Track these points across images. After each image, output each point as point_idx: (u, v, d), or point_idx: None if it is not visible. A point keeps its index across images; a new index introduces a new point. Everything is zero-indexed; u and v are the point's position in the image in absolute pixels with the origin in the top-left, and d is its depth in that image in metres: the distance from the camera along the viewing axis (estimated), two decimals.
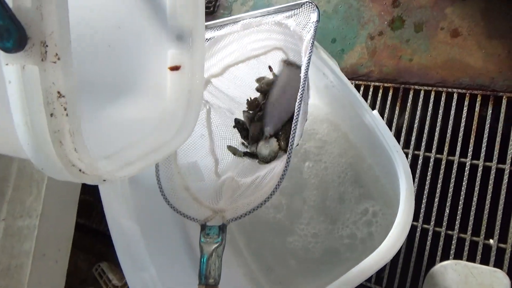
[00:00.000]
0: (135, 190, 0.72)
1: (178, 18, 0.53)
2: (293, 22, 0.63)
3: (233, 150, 0.77)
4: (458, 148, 0.91)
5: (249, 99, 0.78)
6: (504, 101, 0.89)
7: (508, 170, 0.86)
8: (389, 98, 1.01)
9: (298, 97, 0.57)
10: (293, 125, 0.56)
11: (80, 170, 0.35)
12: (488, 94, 0.91)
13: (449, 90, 0.95)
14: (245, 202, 0.58)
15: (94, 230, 1.36)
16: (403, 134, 0.98)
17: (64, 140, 0.32)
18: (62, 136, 0.32)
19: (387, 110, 1.01)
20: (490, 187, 0.86)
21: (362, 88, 1.05)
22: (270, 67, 0.76)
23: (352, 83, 1.06)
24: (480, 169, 0.88)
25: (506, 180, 0.85)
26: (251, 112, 0.79)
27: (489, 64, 0.93)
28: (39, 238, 0.99)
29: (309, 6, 0.62)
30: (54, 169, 0.33)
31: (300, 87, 0.57)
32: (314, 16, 0.61)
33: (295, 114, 0.56)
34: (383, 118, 1.01)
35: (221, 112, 0.77)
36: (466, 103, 0.93)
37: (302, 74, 0.58)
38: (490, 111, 0.90)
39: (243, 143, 0.78)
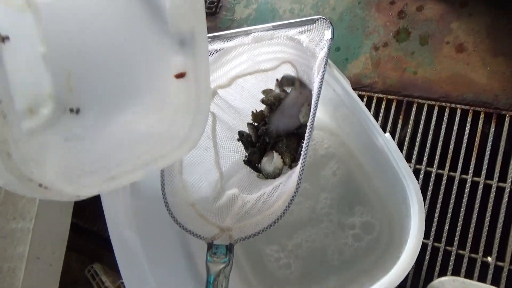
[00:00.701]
0: (136, 199, 0.70)
1: (179, 23, 0.50)
2: (306, 38, 0.62)
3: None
4: (460, 164, 0.91)
5: (255, 111, 0.77)
6: (507, 119, 0.90)
7: (509, 189, 0.86)
8: (392, 110, 1.01)
9: (311, 117, 0.56)
10: (304, 144, 0.55)
11: (40, 185, 0.32)
12: (491, 111, 0.91)
13: (453, 105, 0.95)
14: (253, 222, 0.58)
15: (87, 230, 1.34)
16: (405, 147, 0.98)
17: (11, 151, 0.29)
18: (7, 146, 0.29)
19: (389, 123, 1.01)
20: (490, 205, 0.87)
21: (365, 99, 1.05)
22: (277, 80, 0.75)
23: (355, 93, 1.05)
24: (481, 186, 0.89)
25: (506, 199, 0.86)
26: (256, 124, 0.78)
27: (493, 81, 0.93)
28: (33, 241, 0.97)
29: (323, 22, 0.61)
30: (11, 184, 0.30)
31: (313, 106, 0.56)
32: (328, 34, 0.60)
33: (307, 133, 0.55)
34: (385, 130, 1.01)
35: (227, 125, 0.75)
36: (469, 119, 0.93)
37: (314, 92, 0.57)
38: (493, 129, 0.90)
39: (246, 156, 0.77)
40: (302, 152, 0.54)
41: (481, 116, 0.92)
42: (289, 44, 0.67)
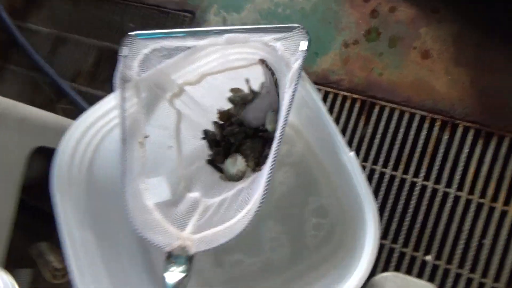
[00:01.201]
0: (92, 197, 0.68)
1: None
2: (282, 46, 0.60)
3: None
4: (412, 168, 0.96)
5: (221, 110, 0.75)
6: (459, 129, 0.95)
7: (453, 195, 0.93)
8: (356, 109, 1.03)
9: (279, 130, 0.55)
10: (273, 154, 0.55)
11: None
12: (447, 120, 0.96)
13: (413, 110, 0.98)
14: (215, 232, 0.58)
15: (32, 207, 1.28)
16: (363, 147, 1.01)
17: None
18: None
19: (352, 121, 1.03)
20: (435, 208, 0.93)
21: (331, 96, 1.05)
22: (247, 80, 0.73)
23: (321, 90, 1.06)
24: (429, 190, 0.95)
25: (450, 204, 0.93)
26: (221, 123, 0.76)
27: (452, 90, 0.97)
28: None
29: (300, 31, 0.59)
30: None
31: (282, 119, 0.56)
32: (304, 45, 0.59)
33: (274, 148, 0.55)
34: (346, 129, 1.03)
35: (192, 123, 0.73)
36: (426, 125, 0.97)
37: (285, 104, 0.56)
38: (446, 137, 0.95)
39: (209, 155, 0.76)
40: (266, 172, 0.54)
41: (437, 124, 0.96)
42: (263, 49, 0.64)
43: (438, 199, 0.94)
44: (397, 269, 0.94)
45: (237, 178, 0.72)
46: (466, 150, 0.93)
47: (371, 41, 1.04)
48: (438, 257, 0.92)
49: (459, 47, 0.98)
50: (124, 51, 0.67)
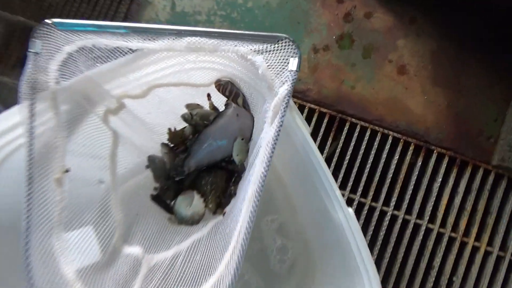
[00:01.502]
0: None
1: None
2: (264, 63, 0.44)
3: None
4: (383, 196, 0.87)
5: (173, 129, 0.58)
6: (434, 156, 0.87)
7: (425, 227, 0.85)
8: (324, 125, 0.91)
9: (259, 178, 0.40)
10: (251, 200, 0.40)
11: None
12: (421, 144, 0.88)
13: (385, 131, 0.89)
14: None
15: None
16: (331, 167, 0.89)
17: None
18: None
19: (319, 138, 0.90)
20: (405, 241, 0.85)
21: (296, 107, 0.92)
22: (208, 96, 0.57)
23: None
24: (399, 220, 0.86)
25: (421, 237, 0.85)
26: (172, 146, 0.59)
27: (428, 112, 0.89)
28: None
29: (289, 45, 0.45)
30: None
31: (264, 163, 0.41)
32: (293, 63, 0.44)
33: (252, 200, 0.40)
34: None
35: (133, 149, 0.55)
36: (399, 148, 0.88)
37: (267, 143, 0.42)
38: (420, 163, 0.87)
39: (155, 189, 0.58)
40: (242, 233, 0.39)
41: (411, 148, 0.88)
42: (237, 61, 0.48)
43: (408, 231, 0.85)
44: None
45: (192, 222, 0.55)
46: (439, 179, 0.86)
47: (344, 48, 0.92)
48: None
49: (438, 65, 0.89)
50: (37, 45, 0.47)
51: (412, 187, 0.86)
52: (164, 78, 0.52)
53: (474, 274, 0.83)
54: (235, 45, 0.45)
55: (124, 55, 0.46)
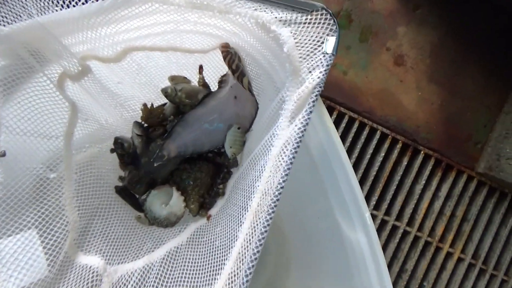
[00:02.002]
0: None
1: None
2: (291, 38, 0.34)
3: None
4: (364, 193, 0.81)
5: (148, 105, 0.46)
6: (420, 156, 0.82)
7: (402, 229, 0.81)
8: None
9: (280, 178, 0.31)
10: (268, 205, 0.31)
11: None
12: (409, 143, 0.82)
13: (374, 125, 0.82)
14: None
15: None
16: None
17: None
18: None
19: None
20: (381, 242, 0.81)
21: None
22: (200, 68, 0.45)
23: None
24: (378, 220, 0.81)
25: (397, 239, 0.81)
26: (146, 126, 0.47)
27: (420, 110, 0.83)
28: None
29: (325, 18, 0.34)
30: None
31: (284, 159, 0.32)
32: (330, 44, 0.34)
33: (269, 206, 0.31)
34: None
35: (96, 127, 0.42)
36: (386, 145, 0.82)
37: (289, 140, 0.33)
38: (406, 162, 0.82)
39: (121, 178, 0.46)
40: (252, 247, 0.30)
41: (398, 145, 0.82)
42: (251, 30, 0.37)
43: (385, 232, 0.81)
44: None
45: (167, 223, 0.44)
46: (422, 181, 0.82)
47: (341, 27, 0.83)
48: None
49: (436, 60, 0.83)
50: None
51: (395, 187, 0.82)
52: (147, 38, 0.39)
53: (444, 281, 0.81)
54: (255, 9, 0.34)
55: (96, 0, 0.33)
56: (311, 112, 0.33)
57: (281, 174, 0.32)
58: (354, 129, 0.82)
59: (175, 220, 0.45)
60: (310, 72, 0.34)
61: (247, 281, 0.30)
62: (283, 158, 0.33)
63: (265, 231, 0.30)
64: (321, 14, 0.34)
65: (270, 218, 0.31)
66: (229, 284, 0.32)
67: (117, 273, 0.39)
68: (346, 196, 0.37)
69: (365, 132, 0.82)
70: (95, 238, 0.40)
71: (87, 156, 0.44)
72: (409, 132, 0.83)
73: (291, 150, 0.32)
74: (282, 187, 0.31)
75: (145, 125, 0.47)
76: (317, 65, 0.34)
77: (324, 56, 0.34)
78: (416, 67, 0.83)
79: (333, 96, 0.82)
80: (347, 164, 0.37)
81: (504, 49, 0.84)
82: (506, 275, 0.82)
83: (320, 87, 0.34)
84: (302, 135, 0.32)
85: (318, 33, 0.34)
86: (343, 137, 0.82)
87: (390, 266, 0.81)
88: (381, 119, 0.82)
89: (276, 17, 0.34)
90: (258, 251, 0.30)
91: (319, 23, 0.34)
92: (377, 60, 0.83)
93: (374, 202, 0.81)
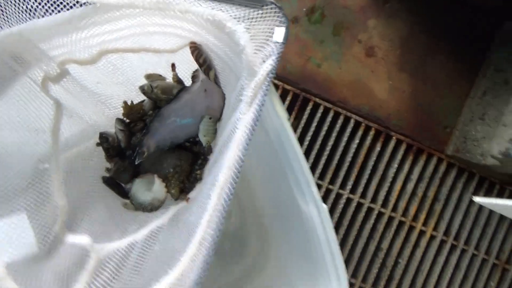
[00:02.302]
0: None
1: None
2: (245, 34, 0.39)
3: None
4: (340, 179, 0.87)
5: (129, 103, 0.51)
6: (392, 142, 0.87)
7: (377, 211, 0.87)
8: (286, 102, 0.87)
9: (240, 152, 0.36)
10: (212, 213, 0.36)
11: None
12: (381, 130, 0.87)
13: (348, 114, 0.87)
14: None
15: None
16: None
17: None
18: None
19: None
20: (358, 223, 0.86)
21: None
22: (173, 66, 0.50)
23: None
24: (354, 204, 0.87)
25: (373, 220, 0.86)
26: (128, 122, 0.52)
27: (391, 98, 0.88)
28: None
29: (274, 11, 0.39)
30: None
31: (243, 137, 0.37)
32: (279, 34, 0.39)
33: (231, 177, 0.36)
34: None
35: (81, 123, 0.47)
36: (359, 132, 0.87)
37: (248, 122, 0.37)
38: (379, 148, 0.87)
39: (107, 170, 0.51)
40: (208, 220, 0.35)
41: (371, 132, 0.87)
42: (208, 28, 0.42)
43: (361, 214, 0.86)
44: None
45: (151, 208, 0.50)
46: (395, 165, 0.87)
47: (314, 23, 0.88)
48: (353, 274, 0.86)
49: (406, 50, 0.88)
50: None
51: (369, 172, 0.87)
52: (119, 41, 0.44)
53: (418, 257, 0.87)
54: (212, 8, 0.39)
55: (69, 8, 0.38)
56: (265, 94, 0.37)
57: (241, 149, 0.36)
58: (329, 119, 0.87)
59: (159, 205, 0.50)
60: (264, 61, 0.39)
61: (213, 243, 0.34)
62: (244, 137, 0.37)
63: (228, 200, 0.35)
64: (271, 8, 0.38)
65: (233, 188, 0.36)
66: (199, 248, 0.37)
67: (104, 250, 0.44)
68: (299, 176, 0.42)
69: (340, 121, 0.87)
70: (83, 220, 0.45)
71: (74, 153, 0.49)
72: (381, 120, 0.88)
73: (249, 128, 0.37)
74: (242, 161, 0.36)
75: (127, 120, 0.52)
76: (270, 54, 0.38)
77: (275, 44, 0.38)
78: (386, 58, 0.88)
79: (309, 88, 0.87)
80: (297, 147, 0.42)
81: (469, 38, 0.89)
82: (476, 249, 0.87)
83: (272, 73, 0.38)
84: (260, 115, 0.37)
85: (269, 26, 0.38)
86: (319, 127, 0.87)
87: (366, 245, 0.87)
88: (355, 108, 0.88)
89: (230, 15, 0.39)
90: (222, 217, 0.35)
91: (269, 16, 0.38)
92: (350, 53, 0.88)
93: (350, 187, 0.86)
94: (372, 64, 0.88)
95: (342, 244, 0.86)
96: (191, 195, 0.49)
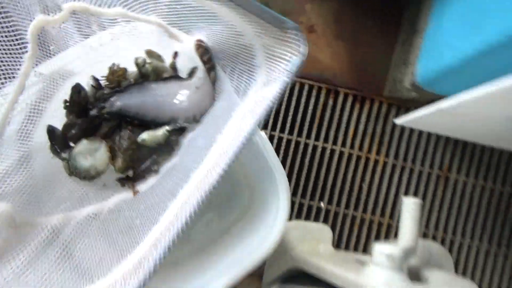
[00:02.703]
0: None
1: None
2: (262, 51, 0.42)
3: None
4: (305, 130, 1.11)
5: (116, 67, 0.52)
6: (341, 95, 1.11)
7: (339, 151, 1.11)
8: None
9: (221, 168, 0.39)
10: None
11: None
12: (331, 88, 1.12)
13: (302, 80, 1.11)
14: None
15: None
16: None
17: None
18: None
19: None
20: (325, 163, 1.11)
21: None
22: (175, 54, 0.55)
23: None
24: (319, 149, 1.11)
25: (336, 158, 1.11)
26: (107, 84, 0.53)
27: (334, 61, 1.12)
28: None
29: (294, 37, 0.40)
30: None
31: (230, 156, 0.40)
32: (293, 63, 0.39)
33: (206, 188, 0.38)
34: None
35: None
36: (314, 93, 1.11)
37: (235, 148, 0.40)
38: (331, 103, 1.11)
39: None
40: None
41: (322, 91, 1.11)
42: (225, 37, 0.48)
43: (327, 155, 1.11)
44: (298, 217, 1.11)
45: (85, 176, 0.48)
46: (346, 113, 1.11)
47: None
48: (329, 202, 1.11)
49: (339, 23, 1.12)
50: None
51: (327, 122, 1.11)
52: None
53: (377, 180, 1.11)
54: (241, 17, 0.38)
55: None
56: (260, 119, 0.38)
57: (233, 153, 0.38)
58: (288, 89, 1.11)
59: (94, 175, 0.48)
60: (269, 83, 0.39)
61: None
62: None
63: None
64: (295, 35, 0.39)
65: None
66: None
67: (28, 225, 0.41)
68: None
69: (297, 87, 1.12)
70: (11, 185, 0.42)
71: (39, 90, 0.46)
72: (329, 80, 1.12)
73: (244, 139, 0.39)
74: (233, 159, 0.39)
75: (106, 82, 0.52)
76: (278, 80, 0.38)
77: (287, 73, 0.39)
78: (324, 32, 1.12)
79: None
80: None
81: (389, 2, 1.11)
82: (421, 166, 1.10)
83: (274, 101, 0.38)
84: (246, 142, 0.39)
85: (287, 51, 0.39)
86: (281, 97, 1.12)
87: (335, 178, 1.11)
88: (308, 75, 1.12)
89: (254, 31, 0.39)
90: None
91: (290, 42, 0.39)
92: None
93: (314, 136, 1.11)
94: (314, 39, 1.12)
95: (316, 181, 1.11)
96: (141, 188, 0.48)
